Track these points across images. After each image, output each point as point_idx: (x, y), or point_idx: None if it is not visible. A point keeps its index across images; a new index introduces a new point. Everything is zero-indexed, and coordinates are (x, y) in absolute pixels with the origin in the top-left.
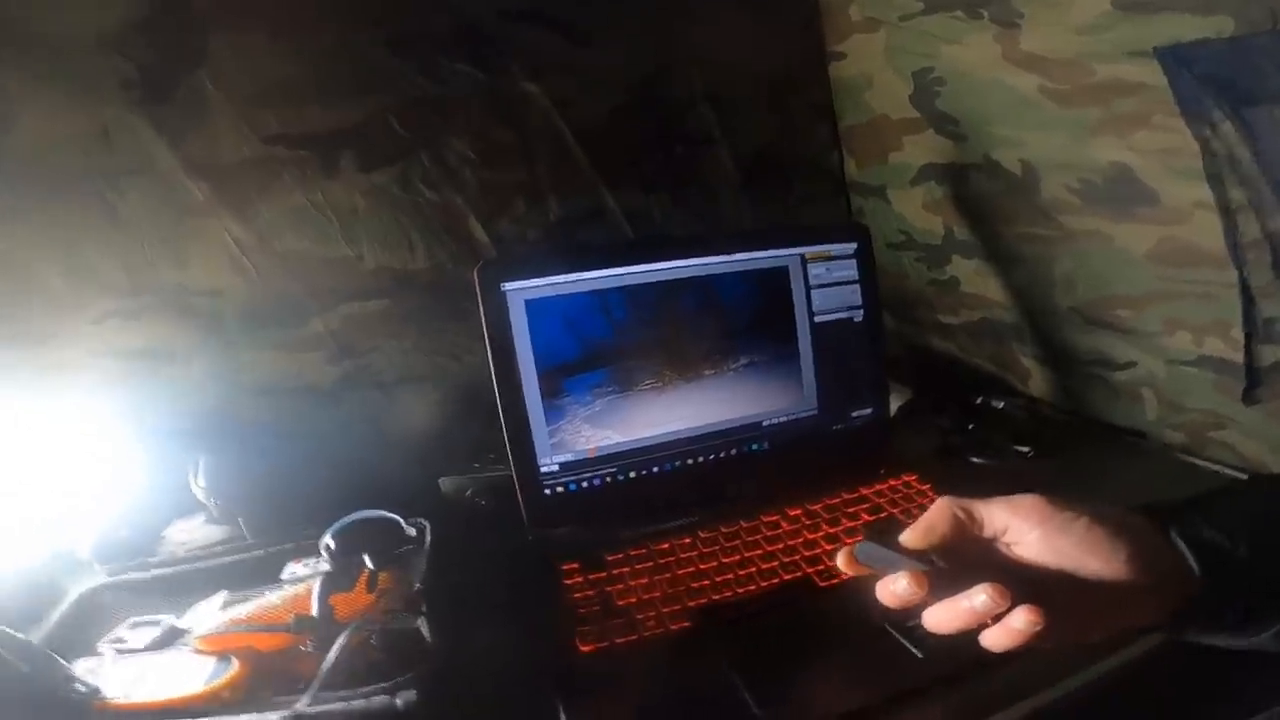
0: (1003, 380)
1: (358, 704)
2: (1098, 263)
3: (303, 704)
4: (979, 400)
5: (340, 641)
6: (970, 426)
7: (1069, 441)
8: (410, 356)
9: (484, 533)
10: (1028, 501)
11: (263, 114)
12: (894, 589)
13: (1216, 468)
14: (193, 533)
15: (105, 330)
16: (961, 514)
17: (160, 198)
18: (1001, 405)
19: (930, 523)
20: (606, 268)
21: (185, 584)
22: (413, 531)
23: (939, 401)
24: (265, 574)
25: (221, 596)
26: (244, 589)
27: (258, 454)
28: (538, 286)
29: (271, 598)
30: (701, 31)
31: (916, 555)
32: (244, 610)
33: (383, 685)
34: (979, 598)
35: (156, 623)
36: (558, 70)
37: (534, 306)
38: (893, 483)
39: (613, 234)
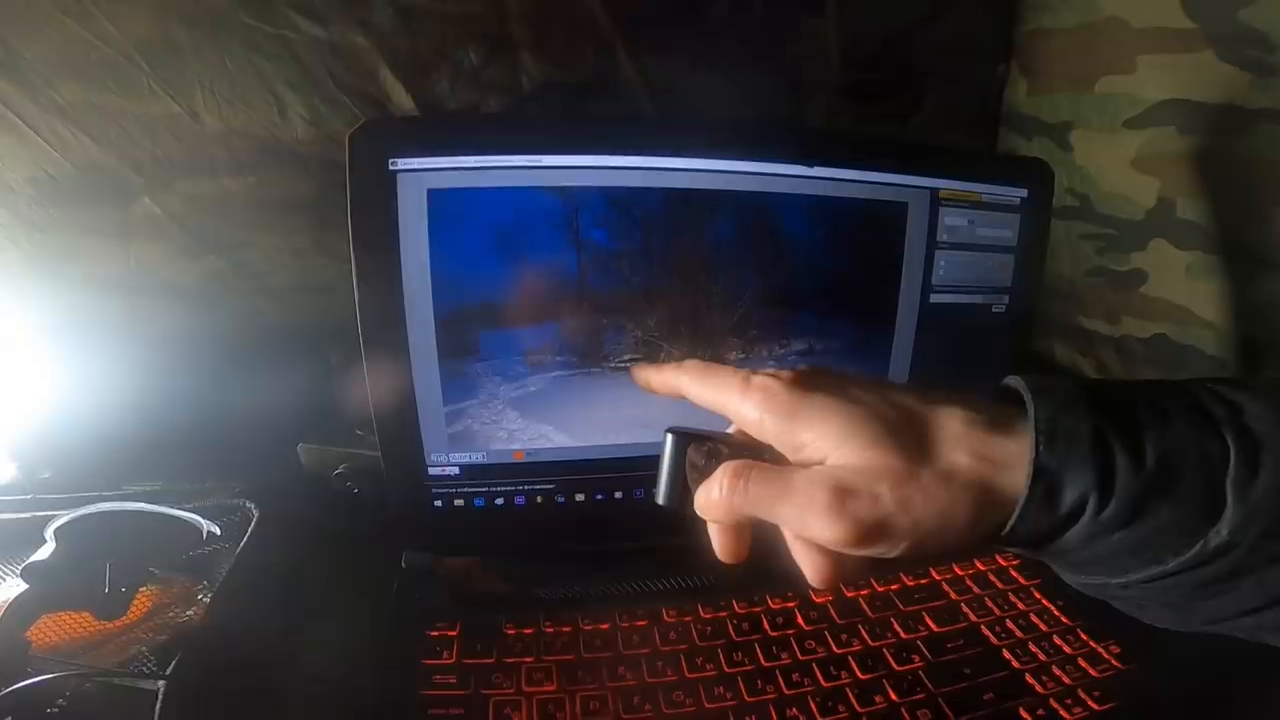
0: None
1: None
2: None
3: None
4: None
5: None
6: None
7: None
8: (307, 258)
9: (337, 540)
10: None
11: None
12: None
13: None
14: None
15: None
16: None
17: None
18: None
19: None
20: (583, 152)
21: None
22: (217, 529)
23: None
24: (18, 546)
25: None
26: None
27: (71, 371)
28: (454, 170)
29: None
30: None
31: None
32: None
33: None
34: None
35: None
36: None
37: (443, 201)
38: (980, 566)
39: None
